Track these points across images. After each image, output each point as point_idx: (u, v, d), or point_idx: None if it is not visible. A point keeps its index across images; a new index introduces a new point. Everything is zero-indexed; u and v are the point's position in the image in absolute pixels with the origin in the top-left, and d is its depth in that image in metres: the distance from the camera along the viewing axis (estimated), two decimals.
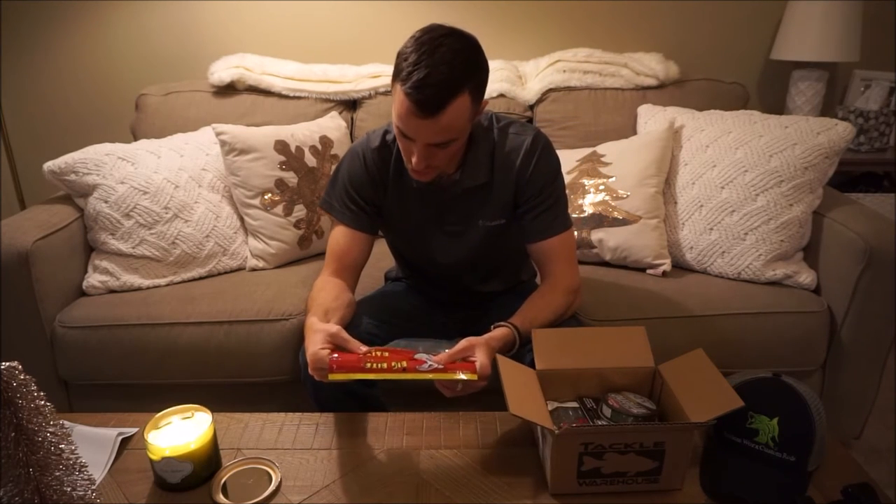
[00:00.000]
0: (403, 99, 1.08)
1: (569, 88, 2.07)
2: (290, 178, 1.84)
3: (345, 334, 1.07)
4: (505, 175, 1.27)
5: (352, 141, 2.04)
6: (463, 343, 1.09)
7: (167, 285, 1.73)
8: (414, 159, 1.15)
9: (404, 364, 1.03)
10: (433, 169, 1.19)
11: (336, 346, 1.06)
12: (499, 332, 1.16)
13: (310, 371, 1.05)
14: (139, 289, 1.70)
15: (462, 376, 1.04)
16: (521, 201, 1.29)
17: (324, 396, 1.24)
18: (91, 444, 1.06)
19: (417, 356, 1.06)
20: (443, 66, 1.05)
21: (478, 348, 1.09)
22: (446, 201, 1.30)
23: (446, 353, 1.08)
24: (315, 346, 1.05)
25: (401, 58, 1.09)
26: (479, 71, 1.12)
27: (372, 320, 1.33)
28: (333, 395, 1.23)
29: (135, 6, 2.27)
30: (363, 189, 1.30)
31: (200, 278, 1.77)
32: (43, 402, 0.81)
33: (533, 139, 1.27)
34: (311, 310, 1.20)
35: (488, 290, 1.46)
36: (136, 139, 2.01)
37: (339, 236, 1.32)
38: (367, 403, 1.26)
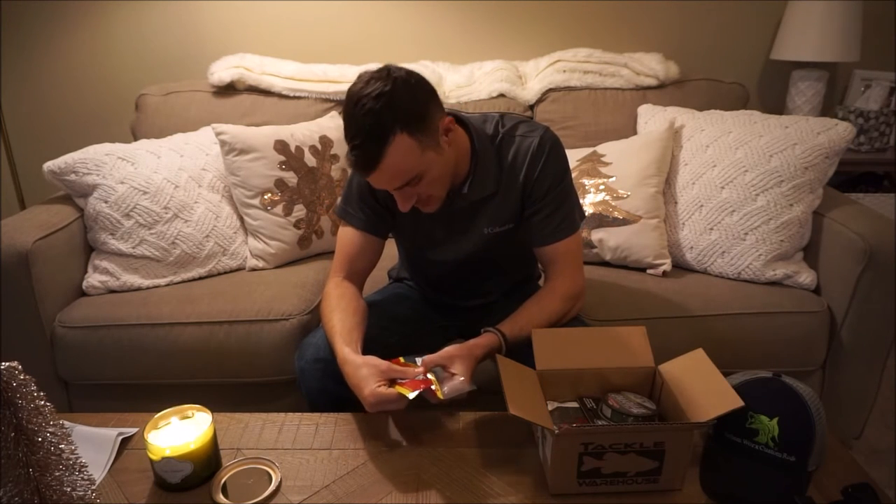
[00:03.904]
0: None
1: (569, 88, 2.08)
2: (290, 177, 1.84)
3: (396, 367, 1.10)
4: (512, 181, 1.26)
5: None
6: (444, 352, 1.11)
7: (167, 285, 1.73)
8: (399, 203, 1.17)
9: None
10: (429, 199, 1.20)
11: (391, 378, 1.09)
12: (483, 339, 1.16)
13: (368, 409, 1.07)
14: (139, 289, 1.70)
15: (410, 395, 1.04)
16: (527, 203, 1.27)
17: (321, 406, 1.23)
18: (91, 444, 1.06)
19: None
20: (364, 117, 1.05)
21: (457, 361, 1.10)
22: (455, 211, 1.29)
23: (427, 357, 1.11)
24: (370, 385, 1.06)
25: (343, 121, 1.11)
26: (406, 106, 1.07)
27: (371, 326, 1.30)
28: (331, 405, 1.22)
29: (135, 6, 2.28)
30: (379, 190, 1.28)
31: (200, 278, 1.77)
32: (43, 402, 0.81)
33: (539, 141, 1.24)
34: (332, 326, 1.20)
35: (492, 291, 1.46)
36: (136, 139, 2.01)
37: (352, 239, 1.32)
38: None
